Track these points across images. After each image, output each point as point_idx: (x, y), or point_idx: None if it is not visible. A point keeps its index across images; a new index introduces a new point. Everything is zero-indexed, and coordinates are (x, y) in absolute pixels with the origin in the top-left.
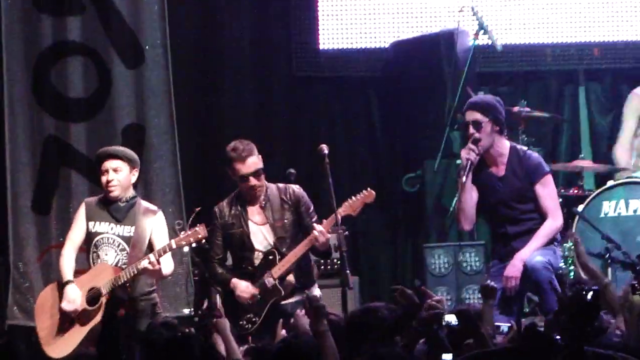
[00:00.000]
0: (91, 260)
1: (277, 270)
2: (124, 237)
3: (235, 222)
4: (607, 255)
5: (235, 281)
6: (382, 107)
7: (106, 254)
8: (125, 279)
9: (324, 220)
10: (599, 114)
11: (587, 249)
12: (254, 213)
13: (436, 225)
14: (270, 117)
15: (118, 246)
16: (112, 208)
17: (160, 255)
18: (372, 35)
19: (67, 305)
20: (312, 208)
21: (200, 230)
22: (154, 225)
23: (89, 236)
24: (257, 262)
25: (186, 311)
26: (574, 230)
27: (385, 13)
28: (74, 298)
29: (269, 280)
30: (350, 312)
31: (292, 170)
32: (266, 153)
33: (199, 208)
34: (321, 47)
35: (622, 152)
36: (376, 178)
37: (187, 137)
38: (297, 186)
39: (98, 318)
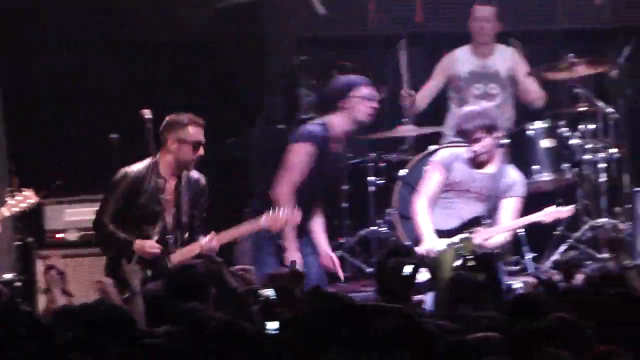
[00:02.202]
0: None
1: (175, 258)
2: None
3: (148, 192)
4: None
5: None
6: (205, 72)
7: None
8: None
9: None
10: (421, 79)
11: None
12: (168, 192)
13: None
14: (93, 82)
15: None
16: None
17: None
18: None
19: None
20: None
21: (31, 195)
22: None
23: None
24: (154, 238)
25: (8, 276)
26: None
27: None
28: None
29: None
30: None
31: (115, 136)
32: (88, 119)
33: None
34: (145, 13)
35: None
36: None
37: (9, 103)
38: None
39: None
